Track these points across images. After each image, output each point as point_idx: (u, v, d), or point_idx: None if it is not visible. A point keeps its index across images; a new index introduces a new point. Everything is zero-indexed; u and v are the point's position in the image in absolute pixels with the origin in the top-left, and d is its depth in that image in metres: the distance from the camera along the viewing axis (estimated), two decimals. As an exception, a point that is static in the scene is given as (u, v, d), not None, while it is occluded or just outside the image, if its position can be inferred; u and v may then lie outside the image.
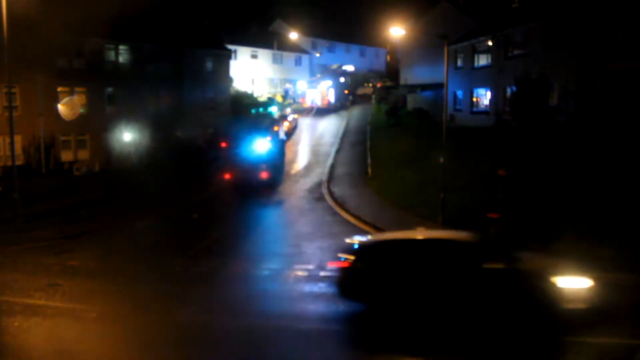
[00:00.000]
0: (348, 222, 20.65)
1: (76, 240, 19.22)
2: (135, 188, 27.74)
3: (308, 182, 28.30)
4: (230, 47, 48.81)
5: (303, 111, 53.59)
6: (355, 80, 64.18)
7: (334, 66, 67.62)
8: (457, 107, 40.36)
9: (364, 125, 42.88)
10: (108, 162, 34.06)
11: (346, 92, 58.66)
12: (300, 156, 35.36)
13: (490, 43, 35.08)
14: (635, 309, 10.66)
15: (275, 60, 62.51)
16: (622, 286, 11.92)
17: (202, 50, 42.37)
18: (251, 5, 65.58)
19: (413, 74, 53.33)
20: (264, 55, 61.01)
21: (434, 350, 9.80)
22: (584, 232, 15.89)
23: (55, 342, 10.92)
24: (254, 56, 59.91)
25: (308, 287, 14.07)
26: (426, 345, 10.01)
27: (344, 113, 50.97)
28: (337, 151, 35.48)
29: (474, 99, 38.53)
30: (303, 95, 60.74)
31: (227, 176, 26.49)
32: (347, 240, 12.23)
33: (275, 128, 30.09)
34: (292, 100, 60.20)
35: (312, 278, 14.54)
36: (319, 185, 27.52)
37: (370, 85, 65.95)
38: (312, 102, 58.43)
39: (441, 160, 19.71)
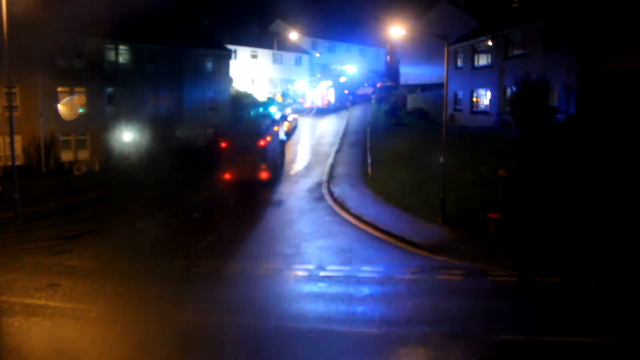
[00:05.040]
0: (348, 222, 20.66)
1: (76, 240, 19.21)
2: (135, 188, 27.71)
3: (308, 182, 28.29)
4: (230, 47, 48.78)
5: (303, 111, 53.55)
6: (355, 81, 64.15)
7: (334, 66, 67.59)
8: (457, 107, 40.35)
9: (364, 125, 42.86)
10: (108, 162, 34.04)
11: (346, 92, 58.61)
12: (300, 156, 35.34)
13: (490, 43, 35.07)
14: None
15: (275, 60, 62.50)
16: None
17: (202, 50, 42.35)
18: (251, 5, 65.60)
19: (413, 74, 53.36)
20: (264, 55, 61.00)
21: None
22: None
23: (55, 342, 10.92)
24: (254, 56, 59.91)
25: (308, 287, 14.08)
26: None
27: (344, 113, 50.95)
28: (337, 151, 35.46)
29: (474, 99, 38.52)
30: (303, 95, 60.70)
31: (227, 176, 26.49)
32: None
33: (275, 128, 30.03)
34: (292, 100, 60.17)
35: (312, 278, 14.54)
36: (319, 185, 27.51)
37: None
38: (312, 102, 58.41)
39: (441, 160, 19.71)
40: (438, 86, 42.04)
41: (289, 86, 63.30)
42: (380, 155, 31.27)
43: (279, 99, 56.77)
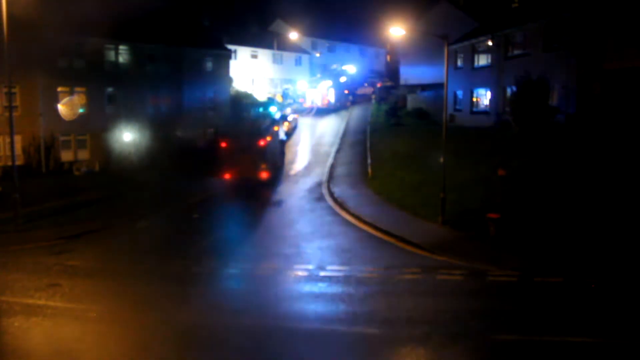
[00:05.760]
0: (348, 222, 20.66)
1: (76, 240, 19.21)
2: (135, 188, 27.73)
3: (308, 182, 28.29)
4: (230, 47, 48.77)
5: (303, 111, 53.55)
6: (355, 81, 64.14)
7: (334, 66, 67.57)
8: (457, 107, 40.35)
9: (364, 125, 42.87)
10: (108, 162, 34.05)
11: (346, 92, 58.59)
12: (300, 156, 35.35)
13: (490, 43, 35.07)
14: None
15: (275, 60, 62.49)
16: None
17: (202, 50, 42.36)
18: (251, 5, 65.57)
19: (413, 74, 53.33)
20: (264, 55, 61.00)
21: None
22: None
23: (55, 342, 10.92)
24: (254, 56, 59.90)
25: (308, 287, 14.08)
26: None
27: (344, 113, 50.95)
28: (337, 151, 35.46)
29: (474, 99, 38.52)
30: (303, 95, 60.68)
31: (227, 176, 26.50)
32: None
33: (275, 128, 30.04)
34: (292, 100, 60.15)
35: (312, 278, 14.54)
36: (319, 185, 27.51)
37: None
38: (312, 102, 58.38)
39: (441, 160, 19.71)
40: (438, 86, 42.00)
41: (289, 86, 63.27)
42: (380, 155, 31.28)
43: (279, 99, 56.73)
